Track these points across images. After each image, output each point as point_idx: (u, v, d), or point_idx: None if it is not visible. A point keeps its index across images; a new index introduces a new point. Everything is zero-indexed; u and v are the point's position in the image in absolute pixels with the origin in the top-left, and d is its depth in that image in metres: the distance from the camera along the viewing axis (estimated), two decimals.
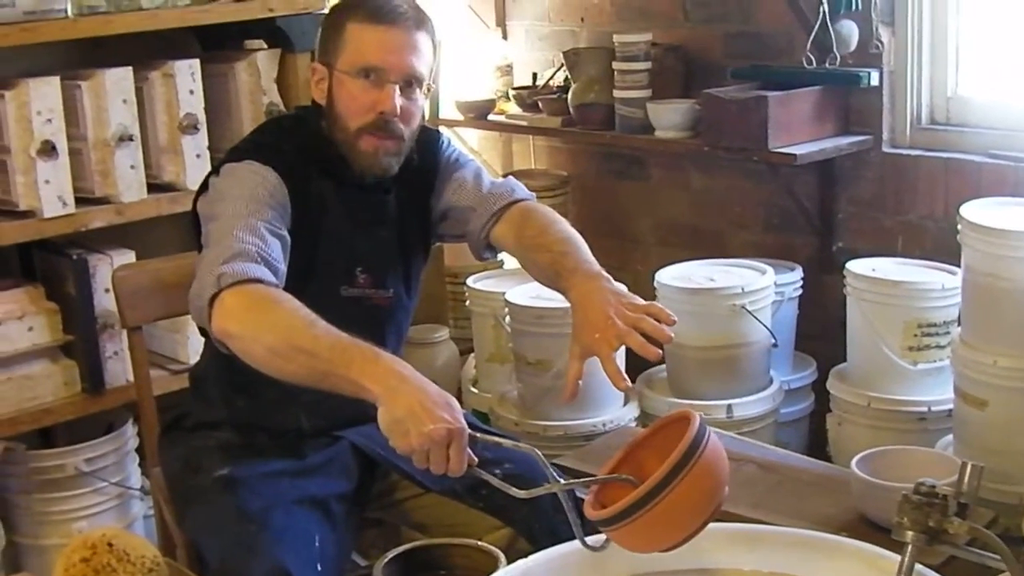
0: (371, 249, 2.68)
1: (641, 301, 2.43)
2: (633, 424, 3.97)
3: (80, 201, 3.49)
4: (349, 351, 2.22)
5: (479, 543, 2.51)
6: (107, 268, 3.48)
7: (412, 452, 2.12)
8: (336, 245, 2.63)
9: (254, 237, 2.42)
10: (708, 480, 2.01)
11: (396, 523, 2.90)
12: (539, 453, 2.19)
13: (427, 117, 4.80)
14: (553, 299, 4.01)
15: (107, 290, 3.43)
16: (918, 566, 2.00)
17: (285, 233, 2.51)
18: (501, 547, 2.50)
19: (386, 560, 2.46)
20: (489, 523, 2.66)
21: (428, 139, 2.81)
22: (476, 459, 2.20)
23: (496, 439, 2.32)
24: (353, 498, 2.70)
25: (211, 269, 2.37)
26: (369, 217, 2.68)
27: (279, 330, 2.28)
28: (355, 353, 2.21)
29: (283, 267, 2.46)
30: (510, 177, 2.93)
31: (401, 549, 2.51)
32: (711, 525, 2.40)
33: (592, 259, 2.61)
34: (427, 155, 2.79)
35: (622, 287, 2.47)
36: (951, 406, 3.49)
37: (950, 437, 3.48)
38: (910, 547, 1.98)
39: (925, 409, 3.67)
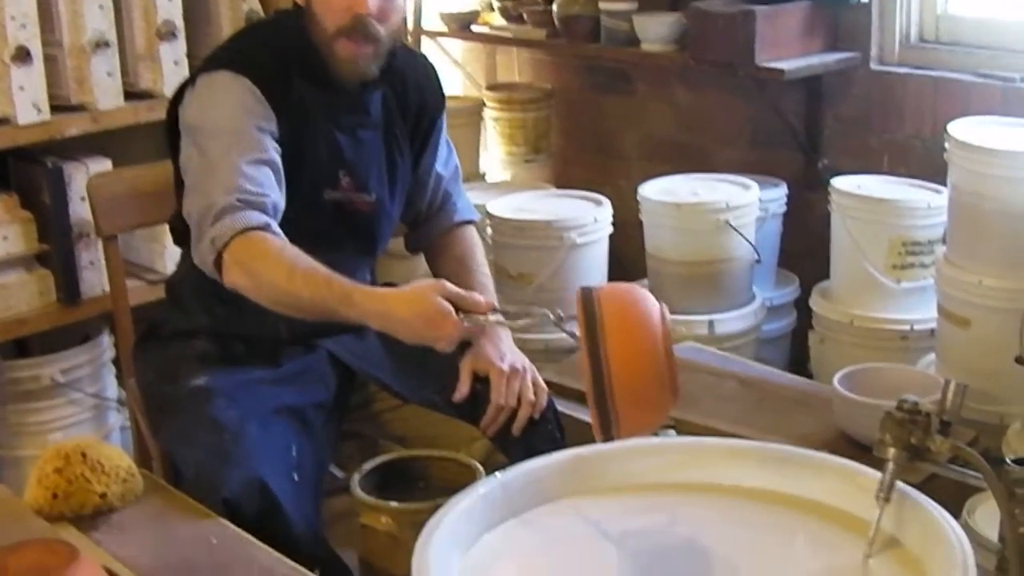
0: (354, 152, 2.66)
1: (529, 383, 2.64)
2: None
3: (55, 108, 3.46)
4: (327, 301, 2.34)
5: (457, 456, 2.51)
6: (83, 176, 3.45)
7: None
8: (319, 148, 2.61)
9: (238, 179, 2.43)
10: (625, 322, 2.00)
11: (374, 435, 2.89)
12: (546, 312, 2.24)
13: (410, 28, 4.79)
14: (536, 212, 4.01)
15: (83, 199, 3.40)
16: (899, 483, 2.00)
17: (273, 154, 2.50)
18: (479, 459, 2.51)
19: (364, 472, 2.46)
20: (467, 435, 2.65)
21: (423, 63, 2.88)
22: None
23: (506, 314, 2.44)
24: (331, 408, 2.69)
25: (203, 231, 2.42)
26: (352, 120, 2.66)
27: (268, 286, 2.38)
28: (332, 301, 2.33)
29: (275, 194, 2.47)
30: (460, 180, 2.99)
31: (379, 461, 2.51)
32: (692, 440, 2.41)
33: None
34: (424, 77, 2.83)
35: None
36: (934, 325, 3.49)
37: (932, 356, 3.48)
38: (892, 464, 1.99)
39: (908, 328, 3.67)
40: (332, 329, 2.66)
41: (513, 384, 2.58)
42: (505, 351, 2.62)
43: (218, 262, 2.41)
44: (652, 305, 2.04)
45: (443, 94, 2.86)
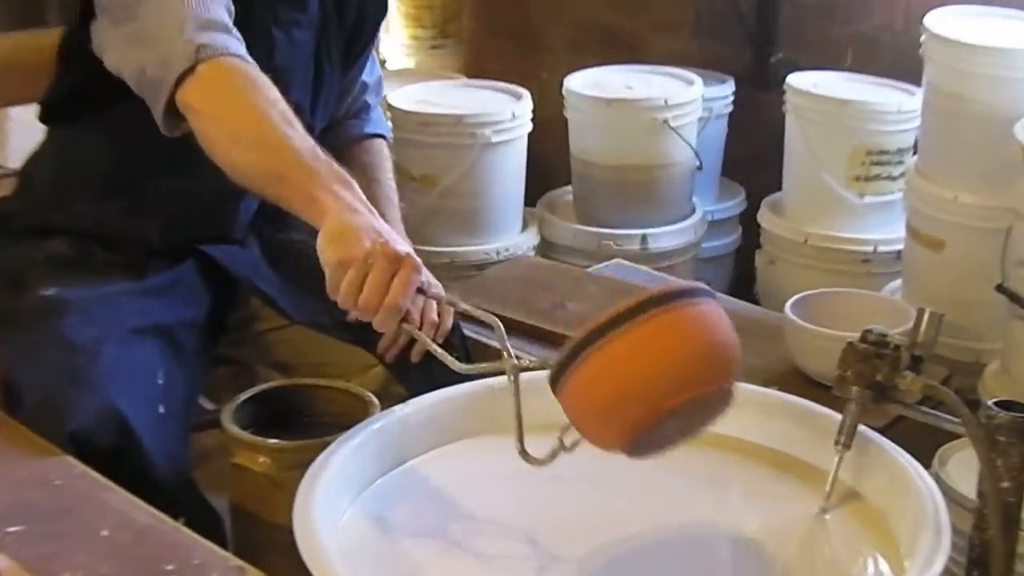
0: (286, 54, 2.61)
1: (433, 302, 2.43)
2: (532, 253, 3.95)
3: None
4: (319, 161, 2.21)
5: (348, 386, 2.48)
6: None
7: (350, 263, 2.04)
8: (254, 43, 2.55)
9: (217, 5, 2.35)
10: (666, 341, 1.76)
11: (252, 361, 2.85)
12: (500, 325, 2.10)
13: None
14: (444, 105, 3.97)
15: None
16: (861, 426, 1.98)
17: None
18: (374, 390, 2.47)
19: (238, 403, 2.41)
20: (361, 362, 2.62)
21: None
22: (415, 320, 2.17)
23: (455, 301, 2.26)
24: (205, 328, 2.64)
25: (182, 32, 2.30)
26: (289, 15, 2.62)
27: (252, 117, 2.26)
28: (323, 166, 2.20)
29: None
30: (381, 93, 3.01)
31: (256, 391, 2.46)
32: None
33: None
34: None
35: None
36: (901, 246, 3.49)
37: (898, 282, 3.49)
38: (853, 405, 1.97)
39: (871, 249, 3.68)
40: (215, 239, 2.62)
41: (415, 303, 2.54)
42: None
43: (179, 81, 2.28)
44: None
45: (386, 3, 2.83)
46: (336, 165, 2.21)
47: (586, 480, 2.08)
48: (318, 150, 2.22)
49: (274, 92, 2.29)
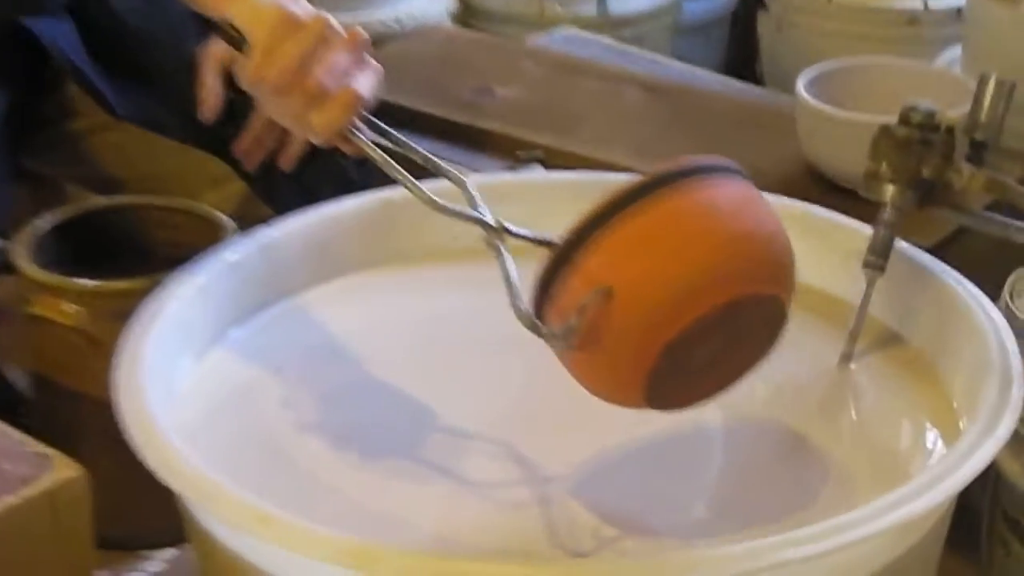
0: None
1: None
2: (446, 21, 3.94)
3: None
4: None
5: (193, 204, 2.46)
6: None
7: (303, 26, 1.91)
8: None
9: None
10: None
11: (61, 176, 2.84)
12: (472, 187, 2.02)
13: None
14: None
15: None
16: (901, 242, 1.97)
17: None
18: (230, 211, 2.46)
19: (39, 234, 2.39)
20: (212, 172, 2.61)
21: None
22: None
23: (411, 146, 2.16)
24: (1, 129, 2.61)
25: None
26: None
27: None
28: None
29: None
30: None
31: (64, 216, 2.44)
32: (568, 179, 2.36)
33: None
34: None
35: None
36: (961, 1, 3.47)
37: (956, 50, 3.47)
38: (889, 210, 1.95)
39: (919, 5, 3.68)
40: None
41: None
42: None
43: None
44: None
45: None
46: None
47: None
48: None
49: None
